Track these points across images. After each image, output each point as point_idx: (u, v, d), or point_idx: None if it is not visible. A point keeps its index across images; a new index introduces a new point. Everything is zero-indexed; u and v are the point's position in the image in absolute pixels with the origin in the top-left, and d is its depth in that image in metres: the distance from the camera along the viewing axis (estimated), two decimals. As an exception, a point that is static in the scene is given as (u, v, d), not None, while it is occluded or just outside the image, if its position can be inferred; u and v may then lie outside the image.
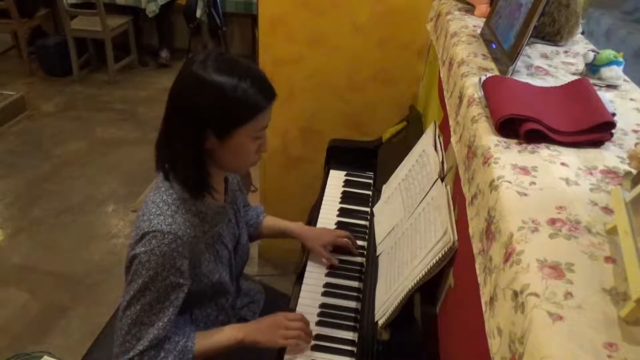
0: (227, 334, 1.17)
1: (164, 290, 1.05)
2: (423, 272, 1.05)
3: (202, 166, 1.07)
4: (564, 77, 1.07)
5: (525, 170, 0.75)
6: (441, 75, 1.34)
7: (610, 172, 0.75)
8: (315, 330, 1.23)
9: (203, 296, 1.21)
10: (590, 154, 0.80)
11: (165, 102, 1.05)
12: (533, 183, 0.72)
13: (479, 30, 1.30)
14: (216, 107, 1.00)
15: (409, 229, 1.25)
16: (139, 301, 1.05)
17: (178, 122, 1.04)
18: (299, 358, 1.17)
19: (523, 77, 1.04)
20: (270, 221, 1.51)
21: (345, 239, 1.44)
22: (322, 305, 1.30)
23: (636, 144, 0.81)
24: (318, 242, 1.42)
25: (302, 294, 1.34)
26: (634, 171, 0.73)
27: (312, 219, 1.63)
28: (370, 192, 1.72)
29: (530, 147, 0.81)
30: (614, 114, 0.87)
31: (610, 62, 1.03)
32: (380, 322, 1.13)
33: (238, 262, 1.34)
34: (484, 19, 1.33)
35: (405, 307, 1.09)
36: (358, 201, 1.68)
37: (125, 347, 1.07)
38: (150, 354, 1.07)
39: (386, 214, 1.46)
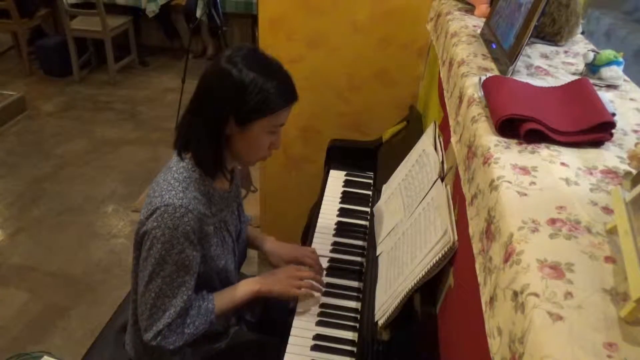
0: (244, 288, 1.24)
1: (182, 263, 1.10)
2: (423, 272, 1.05)
3: (219, 148, 1.13)
4: (564, 77, 1.07)
5: (525, 170, 0.75)
6: (441, 75, 1.34)
7: (610, 172, 0.75)
8: (315, 330, 1.24)
9: (208, 284, 1.23)
10: (590, 154, 0.80)
11: (195, 88, 1.12)
12: (533, 183, 0.72)
13: (479, 30, 1.30)
14: (240, 99, 1.07)
15: (409, 229, 1.25)
16: (159, 275, 1.09)
17: (204, 107, 1.11)
18: (299, 358, 1.17)
19: (523, 77, 1.04)
20: (249, 230, 1.49)
21: (310, 261, 1.37)
22: (322, 305, 1.30)
23: (636, 144, 0.81)
24: (282, 259, 1.40)
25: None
26: (634, 171, 0.73)
27: (312, 219, 1.63)
28: (370, 192, 1.72)
29: (530, 147, 0.81)
30: (614, 114, 0.87)
31: (610, 62, 1.03)
32: (380, 322, 1.13)
33: (238, 258, 1.36)
34: (484, 19, 1.33)
35: (405, 307, 1.09)
36: (358, 201, 1.68)
37: (153, 318, 1.12)
38: (177, 322, 1.13)
39: (386, 214, 1.46)
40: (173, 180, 1.10)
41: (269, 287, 1.24)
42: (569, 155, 0.79)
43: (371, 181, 1.77)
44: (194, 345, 1.28)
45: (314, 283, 1.29)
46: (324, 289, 1.31)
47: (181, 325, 1.14)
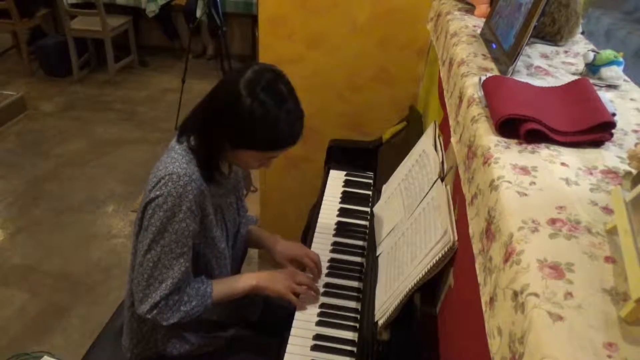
0: (242, 280, 1.25)
1: (182, 232, 1.10)
2: (423, 272, 1.05)
3: (212, 152, 1.15)
4: (564, 77, 1.07)
5: (525, 170, 0.75)
6: (441, 75, 1.34)
7: (610, 172, 0.75)
8: (315, 330, 1.24)
9: (205, 271, 1.23)
10: (590, 154, 0.80)
11: (212, 90, 1.15)
12: (533, 183, 0.72)
13: (479, 30, 1.30)
14: (239, 129, 1.09)
15: (409, 229, 1.25)
16: (159, 243, 1.10)
17: (206, 115, 1.14)
18: (299, 358, 1.17)
19: (523, 77, 1.04)
20: (254, 229, 1.50)
21: (312, 263, 1.37)
22: (322, 305, 1.30)
23: (636, 144, 0.81)
24: (284, 256, 1.41)
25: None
26: (634, 171, 0.73)
27: (312, 219, 1.63)
28: (370, 192, 1.72)
29: (530, 147, 0.81)
30: (614, 114, 0.87)
31: (610, 62, 1.03)
32: (380, 322, 1.13)
33: (237, 253, 1.36)
34: (484, 19, 1.33)
35: (405, 307, 1.09)
36: (358, 201, 1.68)
37: (150, 289, 1.12)
38: (174, 299, 1.14)
39: (386, 214, 1.46)
40: (176, 155, 1.13)
41: (266, 284, 1.25)
42: (569, 155, 0.79)
43: (371, 181, 1.77)
44: (194, 345, 1.28)
45: (309, 291, 1.29)
46: (319, 298, 1.31)
47: (178, 302, 1.14)
